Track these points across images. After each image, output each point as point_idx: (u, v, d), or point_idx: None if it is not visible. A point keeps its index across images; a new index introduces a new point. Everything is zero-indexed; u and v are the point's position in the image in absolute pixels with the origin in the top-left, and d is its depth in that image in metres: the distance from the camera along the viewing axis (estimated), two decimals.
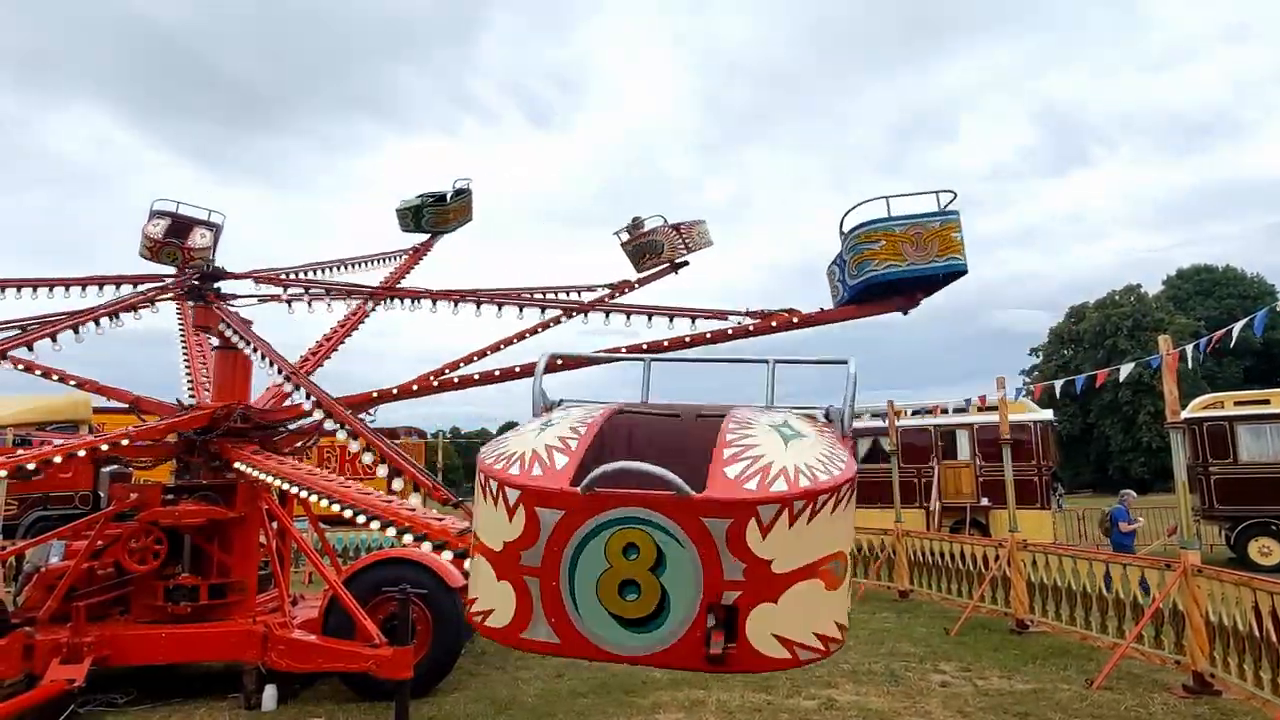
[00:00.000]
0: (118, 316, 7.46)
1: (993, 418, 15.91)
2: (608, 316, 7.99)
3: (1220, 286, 60.90)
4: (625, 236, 8.73)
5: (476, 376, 7.19)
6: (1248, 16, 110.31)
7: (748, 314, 7.40)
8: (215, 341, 7.83)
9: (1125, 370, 10.35)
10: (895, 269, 6.21)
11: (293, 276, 8.81)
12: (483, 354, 8.26)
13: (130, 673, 6.76)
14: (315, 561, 6.92)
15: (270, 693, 6.23)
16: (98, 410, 16.86)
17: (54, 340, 7.07)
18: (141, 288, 8.16)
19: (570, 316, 8.14)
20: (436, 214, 9.41)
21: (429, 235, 9.60)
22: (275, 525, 7.25)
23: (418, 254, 9.45)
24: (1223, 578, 6.37)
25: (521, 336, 8.33)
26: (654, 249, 8.62)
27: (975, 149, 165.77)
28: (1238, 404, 15.38)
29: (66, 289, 8.13)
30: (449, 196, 9.47)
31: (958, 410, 16.93)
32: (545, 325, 8.31)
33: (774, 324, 7.12)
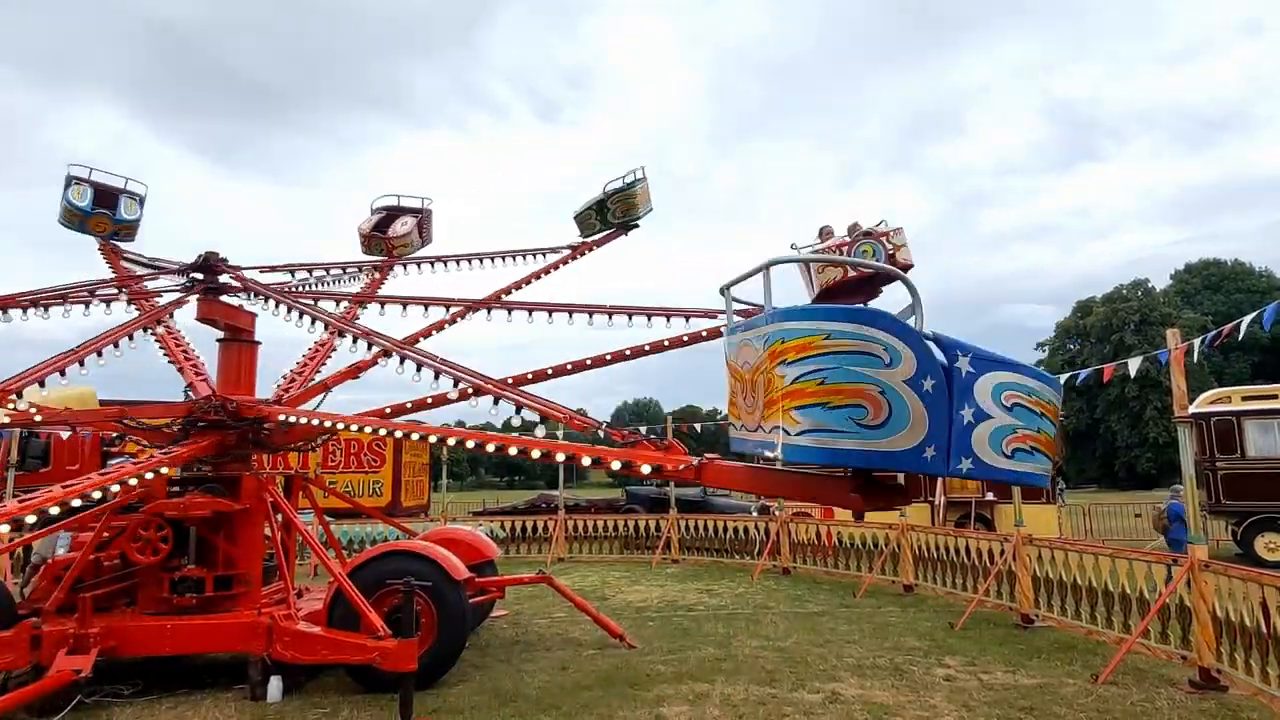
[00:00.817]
0: (144, 331, 7.55)
1: None
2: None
3: (1229, 281, 60.57)
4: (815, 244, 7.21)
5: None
6: (1261, 10, 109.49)
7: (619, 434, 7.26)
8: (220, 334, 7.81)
9: (1134, 365, 10.27)
10: None
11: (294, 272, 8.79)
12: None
13: (136, 664, 6.79)
14: (320, 554, 6.94)
15: (275, 684, 6.25)
16: (103, 403, 16.95)
17: (81, 365, 7.16)
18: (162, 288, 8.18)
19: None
20: (623, 203, 8.97)
21: (613, 230, 9.14)
22: (280, 517, 7.26)
23: (577, 252, 9.11)
24: (1230, 573, 6.33)
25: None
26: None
27: (985, 144, 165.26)
28: (1245, 399, 15.30)
29: (66, 305, 8.12)
30: (624, 187, 8.98)
31: None
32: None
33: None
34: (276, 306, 7.45)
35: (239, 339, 7.54)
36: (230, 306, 7.56)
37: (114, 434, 16.98)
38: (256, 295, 7.56)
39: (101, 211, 8.98)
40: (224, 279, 7.71)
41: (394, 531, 14.10)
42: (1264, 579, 5.92)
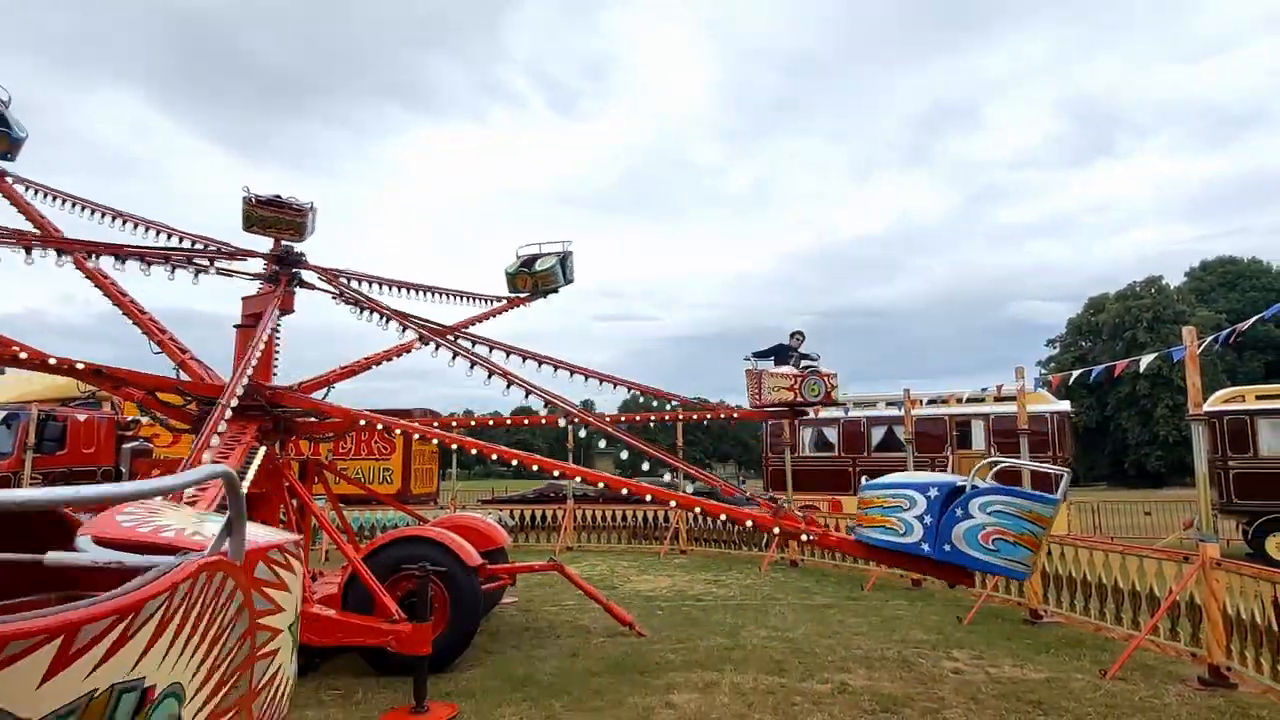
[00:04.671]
0: (208, 269, 7.61)
1: (1008, 408, 15.80)
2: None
3: (1244, 279, 59.95)
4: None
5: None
6: None
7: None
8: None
9: (1145, 361, 10.23)
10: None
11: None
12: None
13: None
14: (335, 538, 7.02)
15: None
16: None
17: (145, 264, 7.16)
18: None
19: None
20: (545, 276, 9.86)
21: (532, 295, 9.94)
22: (295, 502, 7.35)
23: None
24: (1243, 571, 6.33)
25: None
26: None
27: (1001, 139, 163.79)
28: (1259, 398, 15.20)
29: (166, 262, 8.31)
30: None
31: (973, 400, 16.84)
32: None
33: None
34: (359, 308, 7.78)
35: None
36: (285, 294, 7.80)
37: (129, 418, 17.18)
38: (344, 299, 7.87)
39: None
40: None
41: (405, 518, 14.16)
42: (1276, 577, 5.91)
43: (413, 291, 9.24)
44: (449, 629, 6.53)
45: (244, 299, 7.64)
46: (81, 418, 15.66)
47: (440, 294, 9.53)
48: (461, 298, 9.75)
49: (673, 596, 10.37)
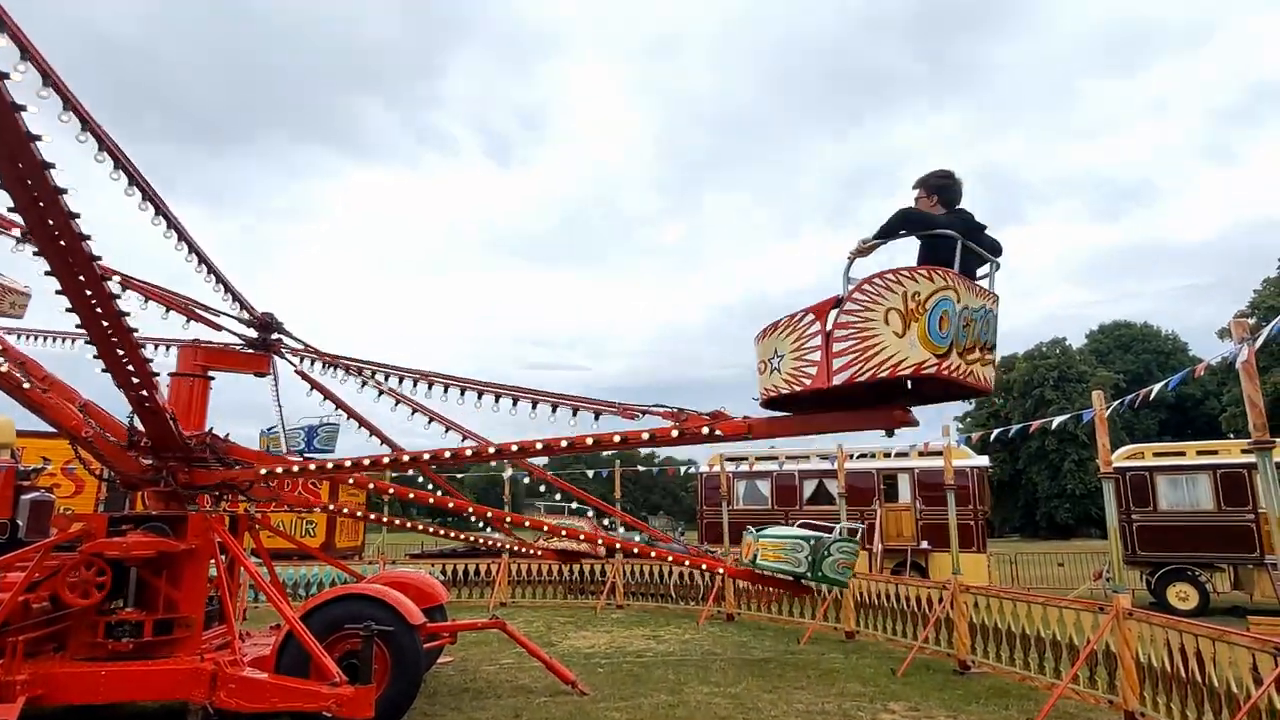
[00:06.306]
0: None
1: (932, 462, 16.49)
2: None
3: (1138, 342, 64.55)
4: None
5: None
6: (1166, 92, 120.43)
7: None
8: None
9: (1058, 421, 10.96)
10: None
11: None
12: None
13: (61, 713, 6.43)
14: (272, 597, 6.75)
15: None
16: (21, 434, 16.02)
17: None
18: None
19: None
20: None
21: None
22: (225, 558, 7.05)
23: None
24: (1152, 620, 6.77)
25: None
26: None
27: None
28: (1157, 455, 16.33)
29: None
30: None
31: (899, 454, 17.49)
32: None
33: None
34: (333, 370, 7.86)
35: (198, 375, 7.41)
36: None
37: (30, 467, 16.04)
38: (321, 362, 8.19)
39: None
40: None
41: (332, 573, 13.63)
42: (1183, 626, 6.35)
43: None
44: (390, 690, 6.32)
45: (182, 349, 7.41)
46: None
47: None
48: None
49: (612, 653, 10.28)
